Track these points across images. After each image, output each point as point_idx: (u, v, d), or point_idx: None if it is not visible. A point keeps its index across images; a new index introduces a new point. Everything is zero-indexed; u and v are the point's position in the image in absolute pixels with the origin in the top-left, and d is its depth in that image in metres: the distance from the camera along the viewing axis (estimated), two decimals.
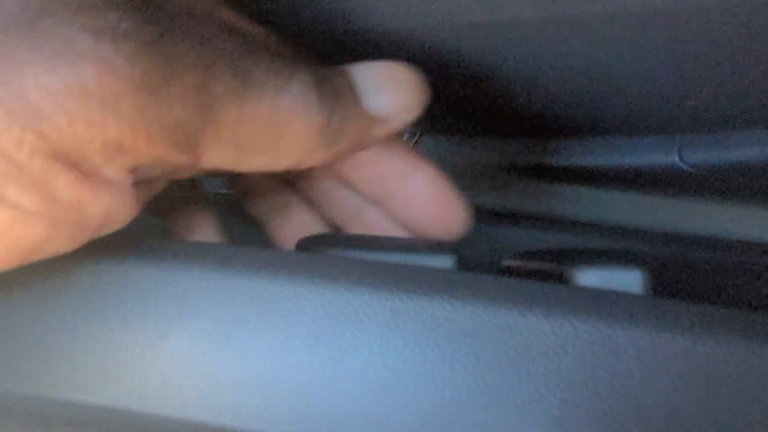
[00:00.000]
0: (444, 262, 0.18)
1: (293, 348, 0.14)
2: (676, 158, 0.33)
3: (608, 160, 0.36)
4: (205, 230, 0.22)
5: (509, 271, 0.21)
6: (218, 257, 0.15)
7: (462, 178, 0.40)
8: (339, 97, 0.17)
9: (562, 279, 0.16)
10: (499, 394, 0.13)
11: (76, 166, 0.13)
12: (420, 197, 0.21)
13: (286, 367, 0.14)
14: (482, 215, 0.38)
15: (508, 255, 0.22)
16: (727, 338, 0.12)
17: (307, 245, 0.18)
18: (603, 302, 0.13)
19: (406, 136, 0.41)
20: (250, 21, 0.17)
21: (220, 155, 0.15)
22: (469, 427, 0.13)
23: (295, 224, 0.24)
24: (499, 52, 0.18)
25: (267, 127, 0.15)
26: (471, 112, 0.31)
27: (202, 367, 0.14)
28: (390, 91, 0.18)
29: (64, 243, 0.14)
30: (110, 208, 0.15)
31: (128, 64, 0.13)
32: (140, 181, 0.16)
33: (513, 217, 0.37)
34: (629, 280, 0.15)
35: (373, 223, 0.22)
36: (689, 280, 0.23)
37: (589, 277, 0.15)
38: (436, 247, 0.19)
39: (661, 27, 0.15)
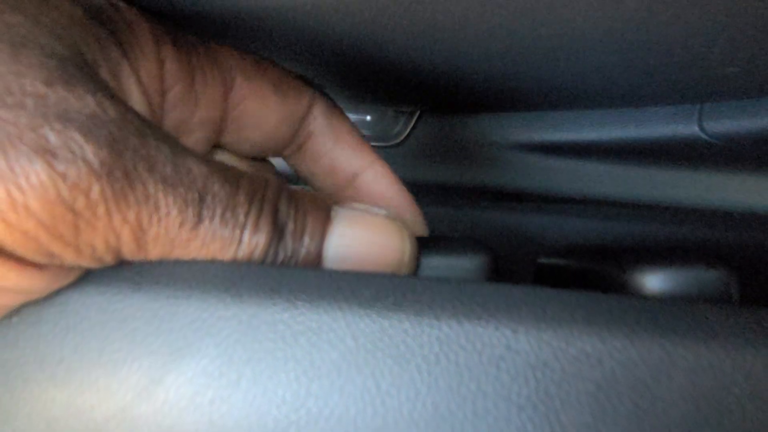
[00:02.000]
0: (477, 264, 0.16)
1: (319, 391, 0.11)
2: (696, 128, 0.31)
3: (622, 133, 0.34)
4: None
5: (551, 273, 0.19)
6: (221, 279, 0.13)
7: (466, 156, 0.38)
8: (295, 256, 0.15)
9: (623, 283, 0.14)
10: None
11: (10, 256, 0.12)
12: (369, 188, 0.21)
13: (313, 414, 0.11)
14: (505, 199, 0.36)
15: (545, 250, 0.20)
16: None
17: None
18: (697, 317, 0.11)
19: (406, 114, 0.38)
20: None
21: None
22: None
23: None
24: (504, 21, 0.16)
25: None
26: (471, 89, 0.29)
27: (209, 418, 0.12)
28: (362, 265, 0.16)
29: None
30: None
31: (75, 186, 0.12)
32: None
33: (541, 202, 0.35)
34: (712, 282, 0.13)
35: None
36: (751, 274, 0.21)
37: (661, 281, 0.13)
38: (467, 246, 0.16)
39: None
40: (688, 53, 0.19)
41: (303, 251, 0.15)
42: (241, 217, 0.14)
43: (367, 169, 0.21)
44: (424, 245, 0.16)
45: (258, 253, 0.14)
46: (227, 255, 0.14)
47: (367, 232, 0.16)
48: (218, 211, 0.13)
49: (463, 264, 0.16)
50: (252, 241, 0.14)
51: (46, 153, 0.11)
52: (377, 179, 0.21)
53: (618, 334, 0.11)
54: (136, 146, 0.12)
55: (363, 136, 0.22)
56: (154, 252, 0.13)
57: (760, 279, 0.20)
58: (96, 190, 0.12)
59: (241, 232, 0.14)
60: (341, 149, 0.21)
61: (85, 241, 0.12)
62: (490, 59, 0.22)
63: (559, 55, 0.21)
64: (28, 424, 0.12)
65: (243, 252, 0.14)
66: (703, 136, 0.30)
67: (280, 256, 0.15)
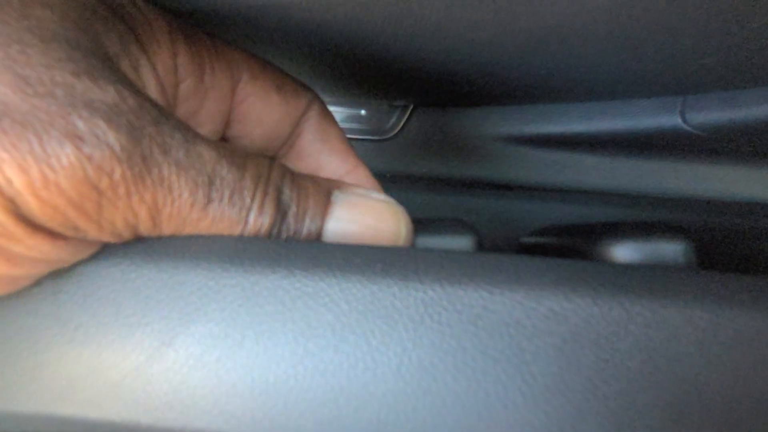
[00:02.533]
0: (463, 243, 0.17)
1: (315, 349, 0.13)
2: (679, 120, 0.32)
3: (609, 125, 0.35)
4: None
5: (530, 250, 0.20)
6: (225, 251, 0.14)
7: (458, 149, 0.39)
8: (297, 235, 0.16)
9: (594, 256, 0.15)
10: (547, 388, 0.12)
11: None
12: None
13: (309, 370, 0.13)
14: (494, 189, 0.37)
15: (527, 231, 0.21)
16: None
17: None
18: (654, 280, 0.12)
19: (399, 108, 0.39)
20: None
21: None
22: (516, 426, 0.11)
23: None
24: (492, 16, 0.17)
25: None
26: (462, 83, 0.30)
27: (216, 375, 0.13)
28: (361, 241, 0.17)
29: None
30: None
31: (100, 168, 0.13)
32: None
33: (528, 190, 0.36)
34: (673, 253, 0.14)
35: None
36: (728, 249, 0.22)
37: (627, 251, 0.14)
38: (455, 227, 0.17)
39: None
40: (659, 46, 0.20)
41: (304, 231, 0.16)
42: (248, 200, 0.15)
43: (351, 173, 0.22)
44: (415, 227, 0.18)
45: (262, 232, 0.15)
46: (234, 234, 0.15)
47: (365, 215, 0.17)
48: (226, 194, 0.15)
49: (450, 243, 0.17)
50: (257, 222, 0.15)
51: (75, 138, 0.12)
52: (359, 182, 0.22)
53: (582, 294, 0.12)
54: (152, 133, 0.14)
55: (349, 142, 0.23)
56: (168, 230, 0.15)
57: (718, 256, 0.22)
58: (118, 172, 0.13)
59: (247, 213, 0.15)
60: (328, 151, 0.22)
61: (106, 217, 0.13)
62: (479, 54, 0.23)
63: (544, 50, 0.22)
64: (51, 383, 0.13)
65: (248, 232, 0.15)
66: (686, 127, 0.31)
67: (283, 236, 0.16)
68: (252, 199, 0.15)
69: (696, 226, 0.22)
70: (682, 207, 0.25)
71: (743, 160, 0.34)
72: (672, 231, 0.14)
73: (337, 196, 0.17)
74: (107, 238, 0.14)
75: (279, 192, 0.16)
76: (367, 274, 0.13)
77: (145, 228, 0.14)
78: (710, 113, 0.31)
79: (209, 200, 0.14)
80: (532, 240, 0.20)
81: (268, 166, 0.16)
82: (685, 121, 0.32)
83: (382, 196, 0.17)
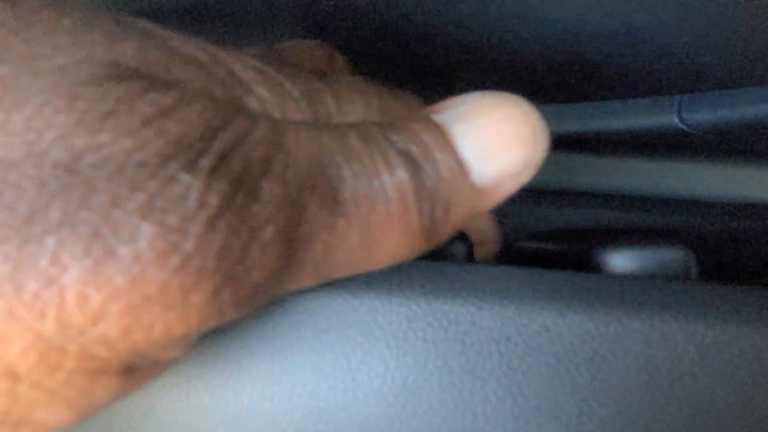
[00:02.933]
0: (455, 249, 0.16)
1: (292, 368, 0.12)
2: (675, 119, 0.31)
3: (604, 125, 0.35)
4: None
5: (524, 255, 0.19)
6: None
7: None
8: (441, 181, 0.13)
9: (589, 263, 0.14)
10: (540, 411, 0.11)
11: (124, 368, 0.11)
12: None
13: (286, 391, 0.12)
14: None
15: (520, 236, 0.20)
16: None
17: None
18: (653, 293, 0.11)
19: None
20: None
21: (297, 288, 0.12)
22: None
23: None
24: (488, 12, 0.16)
25: (358, 248, 0.12)
26: (458, 83, 0.29)
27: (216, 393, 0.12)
28: (504, 151, 0.13)
29: None
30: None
31: (200, 251, 0.10)
32: None
33: (522, 191, 0.35)
34: (673, 261, 0.13)
35: None
36: (733, 252, 0.22)
37: (624, 260, 0.13)
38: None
39: None
40: (658, 44, 0.20)
41: (444, 170, 0.13)
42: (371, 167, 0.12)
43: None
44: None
45: (407, 190, 0.12)
46: (378, 208, 0.12)
47: (484, 118, 0.14)
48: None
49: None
50: (394, 182, 0.12)
51: None
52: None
53: (577, 309, 0.11)
54: None
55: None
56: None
57: (719, 261, 0.21)
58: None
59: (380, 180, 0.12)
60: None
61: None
62: (472, 49, 0.22)
63: (537, 49, 0.21)
64: None
65: (391, 196, 0.12)
66: (683, 126, 0.31)
67: (429, 184, 0.13)
68: (374, 163, 0.12)
69: (694, 228, 0.21)
70: (679, 208, 0.25)
71: (737, 159, 0.34)
72: (671, 237, 0.14)
73: (441, 115, 0.14)
74: None
75: (391, 142, 0.13)
76: (349, 288, 0.12)
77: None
78: (706, 113, 0.31)
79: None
80: (525, 245, 0.19)
81: (369, 126, 0.13)
82: (681, 120, 0.32)
83: (476, 94, 0.14)
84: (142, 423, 0.12)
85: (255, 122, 0.11)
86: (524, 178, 0.14)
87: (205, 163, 0.10)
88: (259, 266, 0.10)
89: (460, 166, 0.13)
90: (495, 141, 0.13)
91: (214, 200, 0.10)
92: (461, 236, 0.17)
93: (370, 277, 0.12)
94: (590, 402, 0.11)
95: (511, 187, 0.14)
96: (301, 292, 0.12)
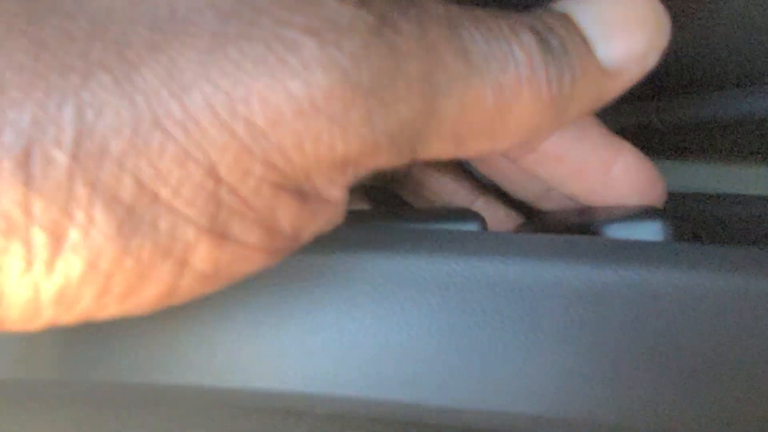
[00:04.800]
0: (471, 228, 0.19)
1: (357, 316, 0.15)
2: (655, 120, 0.34)
3: None
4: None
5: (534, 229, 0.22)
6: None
7: None
8: (567, 54, 0.13)
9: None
10: (556, 340, 0.14)
11: (298, 192, 0.12)
12: (621, 185, 0.18)
13: (351, 334, 0.15)
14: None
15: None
16: (755, 274, 0.14)
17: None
18: (641, 250, 0.15)
19: None
20: None
21: (436, 150, 0.14)
22: (533, 364, 0.14)
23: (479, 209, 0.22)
24: None
25: (491, 110, 0.13)
26: None
27: (272, 340, 0.15)
28: (626, 30, 0.14)
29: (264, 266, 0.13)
30: (323, 227, 0.13)
31: (356, 67, 0.11)
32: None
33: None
34: (652, 231, 0.16)
35: (561, 199, 0.20)
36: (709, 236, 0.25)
37: (613, 231, 0.17)
38: (462, 214, 0.20)
39: None
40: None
41: (574, 53, 0.14)
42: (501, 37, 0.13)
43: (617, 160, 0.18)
44: (424, 214, 0.20)
45: (536, 62, 0.13)
46: (508, 70, 0.13)
47: (605, 2, 0.14)
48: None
49: (460, 228, 0.19)
50: (524, 53, 0.13)
51: None
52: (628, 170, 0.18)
53: (581, 262, 0.14)
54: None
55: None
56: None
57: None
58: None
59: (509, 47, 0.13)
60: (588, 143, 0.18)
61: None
62: None
63: None
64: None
65: (519, 60, 0.13)
66: (661, 126, 0.34)
67: (560, 63, 0.13)
68: (501, 30, 0.13)
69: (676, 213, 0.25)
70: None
71: (706, 156, 0.37)
72: (651, 213, 0.17)
73: (580, 20, 0.14)
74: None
75: (516, 17, 0.13)
76: (399, 251, 0.15)
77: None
78: (679, 114, 0.33)
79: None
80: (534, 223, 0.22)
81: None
82: (661, 121, 0.34)
83: None
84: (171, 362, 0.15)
85: None
86: (648, 63, 0.14)
87: None
88: (405, 101, 0.12)
89: (585, 44, 0.14)
90: (618, 22, 0.14)
91: (362, 26, 0.11)
92: (474, 216, 0.20)
93: (415, 241, 0.15)
94: (596, 334, 0.14)
95: (635, 72, 0.14)
96: (361, 256, 0.15)
